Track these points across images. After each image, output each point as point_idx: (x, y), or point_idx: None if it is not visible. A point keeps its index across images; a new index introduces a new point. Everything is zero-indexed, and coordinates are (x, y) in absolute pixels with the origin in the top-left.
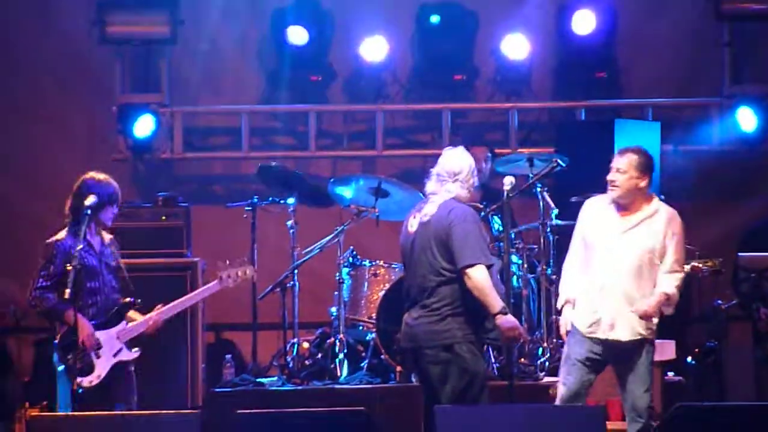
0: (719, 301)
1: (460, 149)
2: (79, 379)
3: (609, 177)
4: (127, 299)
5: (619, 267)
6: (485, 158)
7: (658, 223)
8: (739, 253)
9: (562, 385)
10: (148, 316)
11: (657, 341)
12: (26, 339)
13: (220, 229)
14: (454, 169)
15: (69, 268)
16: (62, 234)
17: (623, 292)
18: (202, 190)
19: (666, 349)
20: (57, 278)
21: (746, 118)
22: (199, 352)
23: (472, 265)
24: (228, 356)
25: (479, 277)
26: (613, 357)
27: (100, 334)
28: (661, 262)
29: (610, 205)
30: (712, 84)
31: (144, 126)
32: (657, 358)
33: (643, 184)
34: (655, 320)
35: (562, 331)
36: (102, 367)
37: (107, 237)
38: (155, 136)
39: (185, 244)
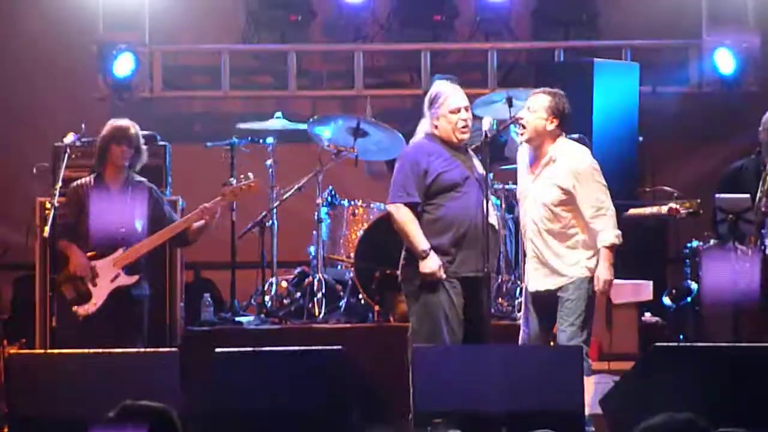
0: (697, 242)
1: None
2: (75, 308)
3: (518, 114)
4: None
5: (527, 221)
6: None
7: (558, 173)
8: (717, 195)
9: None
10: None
11: (634, 282)
12: (5, 276)
13: (199, 168)
14: (424, 106)
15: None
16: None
17: (532, 249)
18: (181, 129)
19: (643, 290)
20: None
21: (724, 60)
22: (177, 290)
23: (390, 205)
24: (206, 295)
25: (396, 217)
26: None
27: (97, 263)
28: (574, 212)
29: (528, 152)
30: (691, 26)
31: (124, 65)
32: (634, 299)
33: (551, 126)
34: (588, 257)
35: None
36: (99, 295)
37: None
38: (135, 75)
39: (164, 183)
